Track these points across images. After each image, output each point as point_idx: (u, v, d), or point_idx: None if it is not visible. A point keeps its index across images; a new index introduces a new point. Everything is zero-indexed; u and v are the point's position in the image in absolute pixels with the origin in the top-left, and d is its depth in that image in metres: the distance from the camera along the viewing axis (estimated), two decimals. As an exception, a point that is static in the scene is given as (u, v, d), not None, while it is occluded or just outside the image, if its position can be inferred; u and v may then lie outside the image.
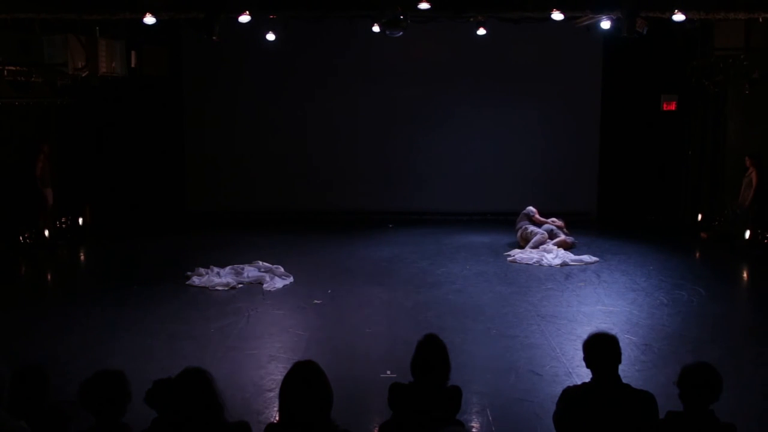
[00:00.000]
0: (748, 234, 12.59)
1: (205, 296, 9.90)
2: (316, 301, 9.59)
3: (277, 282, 10.30)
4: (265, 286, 10.19)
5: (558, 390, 4.62)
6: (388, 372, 6.87)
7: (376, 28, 11.97)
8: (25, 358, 7.16)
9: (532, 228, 12.78)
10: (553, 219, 13.03)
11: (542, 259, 11.70)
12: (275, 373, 6.93)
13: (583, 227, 14.25)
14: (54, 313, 9.28)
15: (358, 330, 8.50)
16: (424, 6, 9.86)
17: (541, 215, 13.10)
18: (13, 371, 4.10)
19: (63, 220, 13.73)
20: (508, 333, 8.33)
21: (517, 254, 12.10)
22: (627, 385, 4.31)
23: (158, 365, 6.82)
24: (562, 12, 10.40)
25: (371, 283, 10.62)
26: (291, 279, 10.53)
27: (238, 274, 10.52)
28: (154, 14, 10.21)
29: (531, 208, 13.21)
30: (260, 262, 10.94)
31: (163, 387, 3.92)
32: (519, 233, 12.90)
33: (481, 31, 12.14)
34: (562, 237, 12.62)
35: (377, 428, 4.38)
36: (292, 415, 3.61)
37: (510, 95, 15.36)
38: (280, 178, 15.53)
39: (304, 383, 3.61)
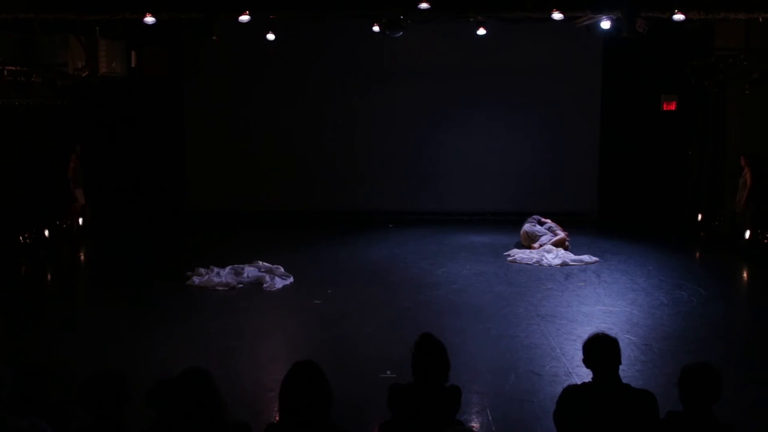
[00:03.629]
0: (748, 234, 12.60)
1: (205, 296, 9.90)
2: (316, 301, 9.59)
3: (277, 282, 10.29)
4: (265, 286, 10.19)
5: (558, 390, 4.62)
6: (388, 372, 6.87)
7: (376, 28, 11.97)
8: (25, 358, 7.17)
9: (539, 228, 12.81)
10: (551, 225, 13.02)
11: (542, 259, 11.70)
12: (275, 373, 6.91)
13: (583, 227, 14.27)
14: (54, 313, 9.29)
15: (358, 330, 8.49)
16: (424, 6, 9.86)
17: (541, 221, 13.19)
18: (14, 371, 4.09)
19: (63, 220, 13.73)
20: (508, 333, 8.33)
21: (517, 254, 12.10)
22: (627, 385, 4.31)
23: (158, 365, 6.82)
24: (562, 12, 10.40)
25: (371, 283, 10.62)
26: (291, 279, 10.52)
27: (238, 274, 10.52)
28: (154, 14, 10.21)
29: (536, 216, 13.26)
30: (260, 262, 10.93)
31: (163, 387, 3.92)
32: (525, 231, 12.84)
33: (481, 31, 12.14)
34: (562, 235, 12.61)
35: (377, 428, 4.37)
36: (291, 415, 3.61)
37: (510, 95, 15.35)
38: (280, 178, 15.52)
39: (303, 383, 3.61)
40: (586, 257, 11.84)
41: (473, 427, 5.87)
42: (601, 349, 4.32)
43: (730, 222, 13.36)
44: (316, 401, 3.58)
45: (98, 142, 14.80)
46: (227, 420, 3.66)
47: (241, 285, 10.27)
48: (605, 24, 11.01)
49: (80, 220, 14.07)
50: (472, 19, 11.91)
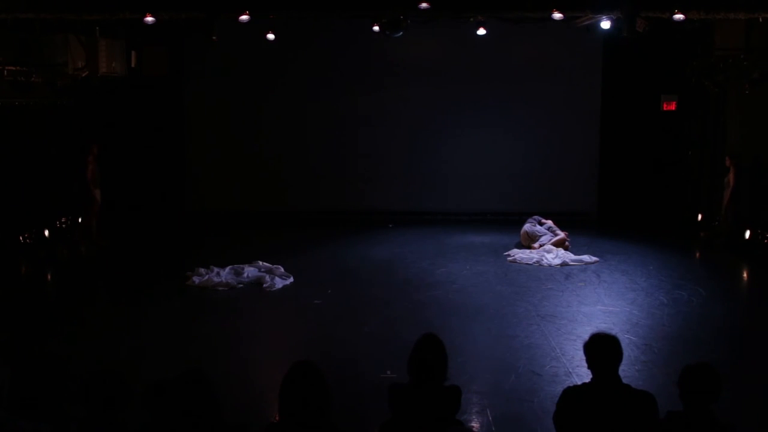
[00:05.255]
0: (748, 234, 12.61)
1: (205, 296, 9.90)
2: (316, 301, 9.58)
3: (277, 282, 10.29)
4: (265, 286, 10.19)
5: (558, 390, 4.62)
6: (388, 372, 6.87)
7: (376, 28, 11.97)
8: (24, 357, 7.16)
9: (539, 228, 12.81)
10: (551, 226, 13.01)
11: (542, 259, 11.70)
12: (275, 373, 6.88)
13: (583, 227, 14.26)
14: (54, 313, 9.28)
15: (358, 330, 8.49)
16: (424, 6, 9.86)
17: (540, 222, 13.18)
18: (14, 370, 4.08)
19: (63, 220, 13.73)
20: (508, 333, 8.33)
21: (517, 254, 12.10)
22: (627, 386, 4.31)
23: (158, 365, 6.82)
24: (562, 12, 10.40)
25: (371, 283, 10.62)
26: (291, 279, 10.52)
27: (238, 274, 10.51)
28: (154, 14, 10.21)
29: (536, 216, 13.26)
30: (260, 262, 10.93)
31: (160, 389, 3.91)
32: (525, 231, 12.84)
33: (481, 31, 12.13)
34: (562, 235, 12.60)
35: (377, 429, 4.37)
36: (291, 415, 3.61)
37: (510, 95, 15.35)
38: (280, 178, 15.52)
39: (301, 384, 3.61)
40: (586, 257, 11.84)
41: (473, 427, 5.87)
42: (602, 348, 4.32)
43: (725, 221, 13.41)
44: (315, 401, 3.58)
45: (98, 142, 14.77)
46: (225, 422, 3.65)
47: (241, 285, 10.27)
48: (605, 24, 11.01)
49: (80, 220, 14.06)
50: (472, 19, 11.91)
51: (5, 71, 11.61)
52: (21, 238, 12.45)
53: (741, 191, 12.94)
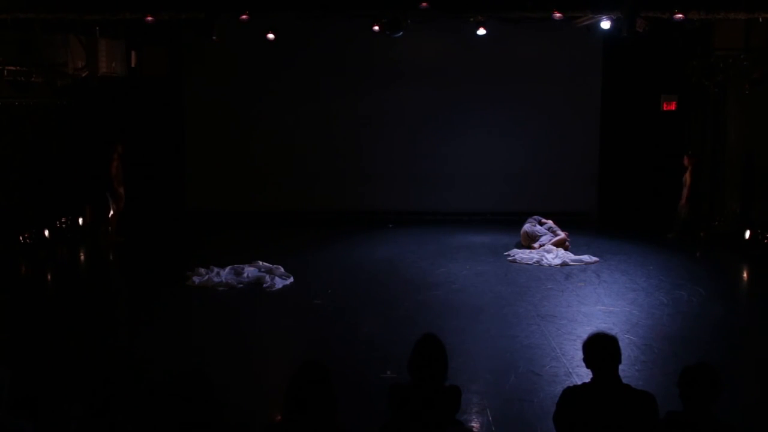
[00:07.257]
0: (748, 234, 12.61)
1: (205, 296, 9.90)
2: (316, 301, 9.59)
3: (277, 282, 10.29)
4: (265, 286, 10.19)
5: (558, 390, 4.62)
6: (388, 372, 6.87)
7: (376, 29, 11.99)
8: (24, 358, 7.17)
9: (539, 228, 12.82)
10: (551, 226, 13.01)
11: (542, 259, 11.71)
12: (276, 373, 6.92)
13: (583, 227, 14.26)
14: (53, 313, 9.28)
15: (358, 330, 8.49)
16: (424, 6, 9.87)
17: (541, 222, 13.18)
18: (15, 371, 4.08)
19: (63, 220, 13.73)
20: (508, 333, 8.33)
21: (517, 254, 12.10)
22: (627, 386, 4.31)
23: (157, 366, 6.81)
24: (562, 12, 10.41)
25: (371, 283, 10.62)
26: (291, 279, 10.52)
27: (238, 274, 10.51)
28: (154, 14, 10.22)
29: (536, 216, 13.26)
30: (260, 262, 10.93)
31: (160, 389, 3.91)
32: (525, 231, 12.84)
33: (481, 31, 12.14)
34: (562, 235, 12.60)
35: (377, 429, 4.37)
36: (297, 415, 3.59)
37: (510, 95, 15.36)
38: (280, 178, 15.52)
39: (313, 383, 3.60)
40: (586, 257, 11.84)
41: (473, 427, 5.87)
42: (600, 348, 4.32)
43: (682, 219, 13.51)
44: (323, 402, 3.57)
45: (98, 141, 14.78)
46: (225, 422, 3.65)
47: (241, 285, 10.26)
48: (605, 24, 11.03)
49: (80, 220, 14.07)
50: (472, 19, 11.92)
51: (5, 71, 11.63)
52: (21, 238, 12.46)
53: (737, 190, 12.97)
